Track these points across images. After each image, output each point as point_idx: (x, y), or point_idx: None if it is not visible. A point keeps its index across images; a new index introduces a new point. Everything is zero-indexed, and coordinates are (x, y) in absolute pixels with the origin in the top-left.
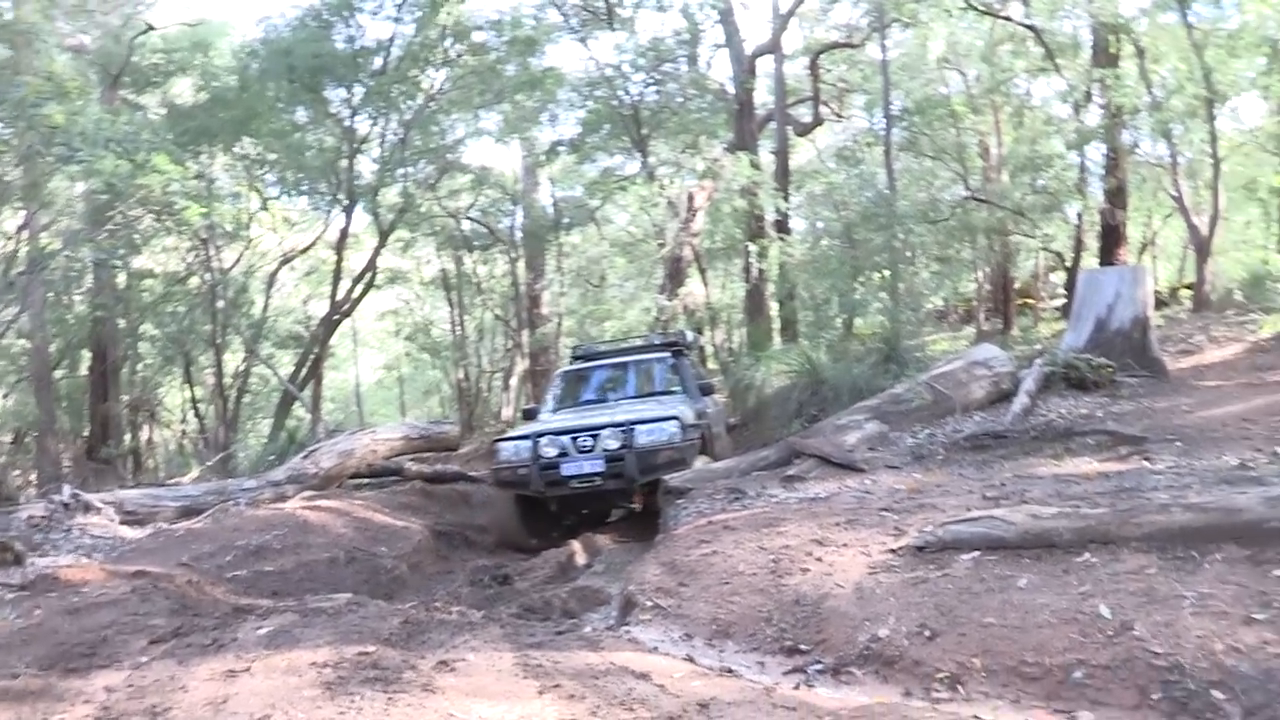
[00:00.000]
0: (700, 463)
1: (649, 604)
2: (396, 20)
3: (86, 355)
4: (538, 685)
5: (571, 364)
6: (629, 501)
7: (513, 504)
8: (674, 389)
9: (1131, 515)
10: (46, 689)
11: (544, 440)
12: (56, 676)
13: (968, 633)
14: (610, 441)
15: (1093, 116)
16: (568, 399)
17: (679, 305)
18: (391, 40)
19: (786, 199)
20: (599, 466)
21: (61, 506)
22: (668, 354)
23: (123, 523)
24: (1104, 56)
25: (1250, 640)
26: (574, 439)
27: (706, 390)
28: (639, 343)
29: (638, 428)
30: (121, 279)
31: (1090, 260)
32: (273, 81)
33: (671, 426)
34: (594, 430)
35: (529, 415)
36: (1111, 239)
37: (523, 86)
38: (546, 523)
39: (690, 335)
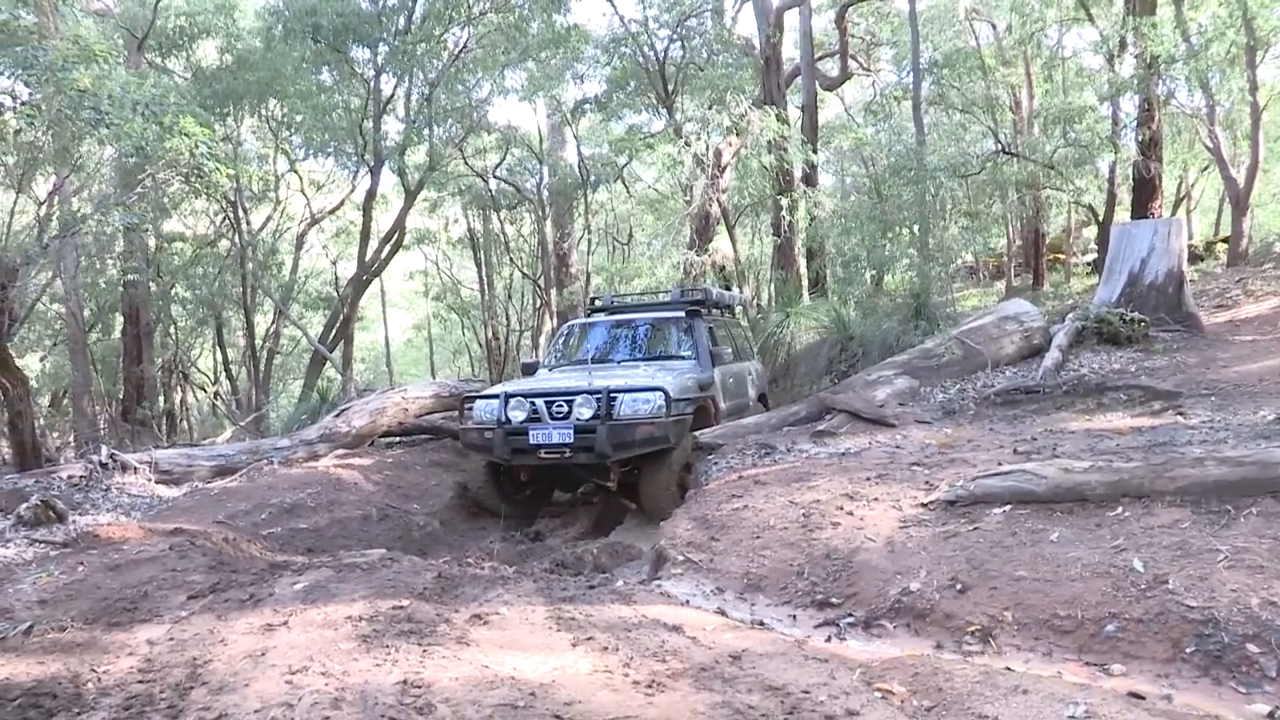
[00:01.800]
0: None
1: (680, 558)
2: None
3: (119, 319)
4: (571, 638)
5: (588, 316)
6: (604, 478)
7: (484, 467)
8: (685, 354)
9: (1165, 469)
10: (92, 641)
11: (512, 402)
12: (101, 630)
13: (999, 586)
14: (583, 410)
15: (1126, 67)
16: (569, 356)
17: (708, 261)
18: None
19: (815, 153)
20: (568, 437)
21: (99, 467)
22: (682, 314)
23: (159, 482)
24: (1139, 4)
25: None
26: (548, 403)
27: (723, 357)
28: (665, 299)
29: (618, 397)
30: (152, 243)
31: (1123, 214)
32: (297, 43)
33: (655, 398)
34: (568, 395)
35: (528, 370)
36: (1145, 192)
37: (548, 44)
38: (520, 489)
39: (719, 292)
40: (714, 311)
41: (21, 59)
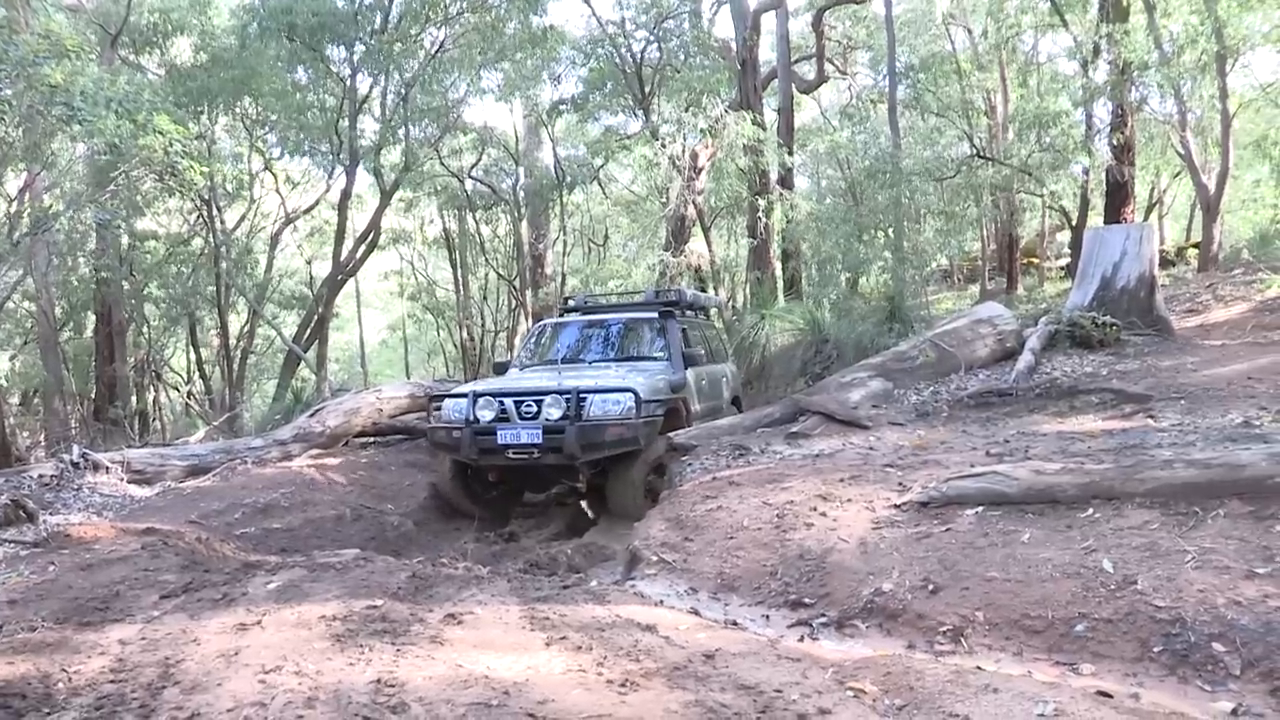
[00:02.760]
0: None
1: (654, 559)
2: None
3: (92, 317)
4: (545, 637)
5: (561, 316)
6: (573, 480)
7: (451, 467)
8: (657, 355)
9: (1135, 471)
10: (63, 641)
11: (481, 401)
12: (72, 630)
13: (971, 587)
14: (552, 410)
15: (1100, 73)
16: (540, 355)
17: (683, 263)
18: None
19: (791, 156)
20: (536, 437)
21: (71, 466)
22: (655, 315)
23: (131, 482)
24: (1113, 11)
25: (1251, 594)
26: (517, 403)
27: (696, 359)
28: (639, 299)
29: (588, 397)
30: (125, 241)
31: (1096, 219)
32: (273, 41)
33: (625, 400)
34: (537, 395)
35: (499, 370)
36: (1118, 197)
37: (524, 45)
38: (489, 489)
39: (694, 294)
40: (689, 313)
41: None
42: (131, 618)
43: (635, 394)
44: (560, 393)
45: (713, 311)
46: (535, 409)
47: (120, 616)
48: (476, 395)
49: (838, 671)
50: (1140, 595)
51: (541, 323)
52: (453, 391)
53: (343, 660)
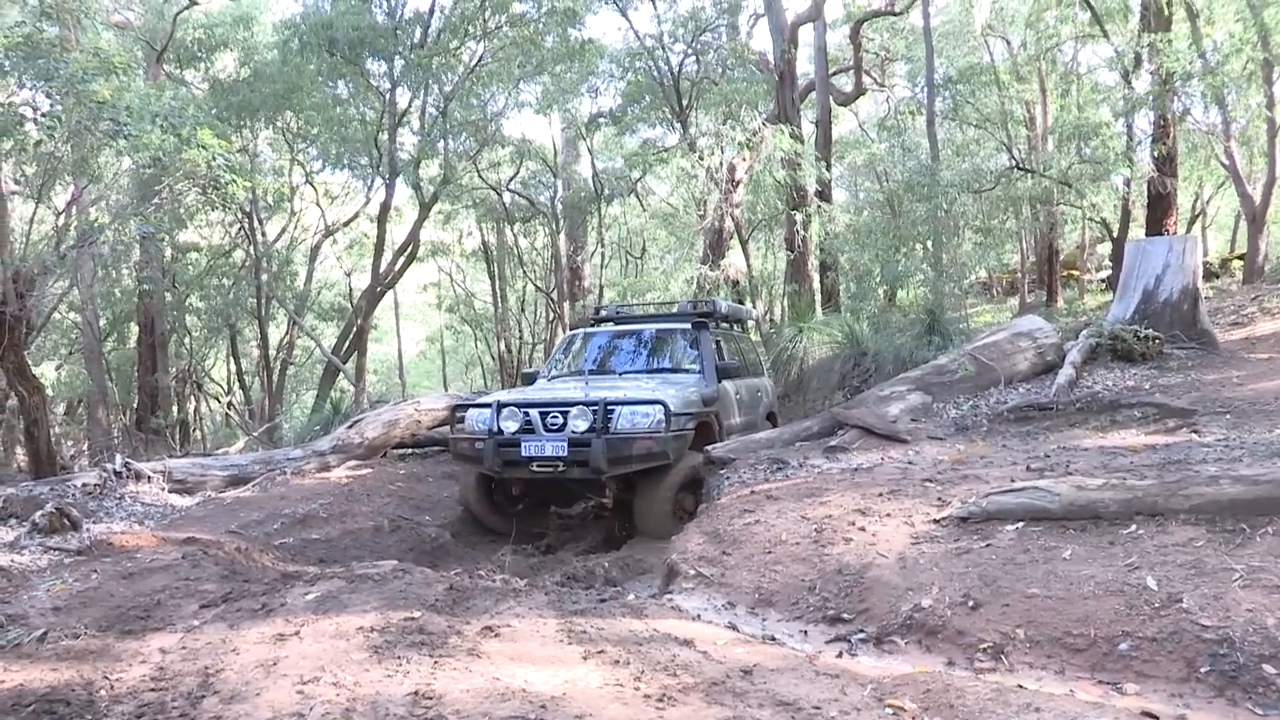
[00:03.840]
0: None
1: (692, 572)
2: None
3: (135, 328)
4: (582, 651)
5: (592, 326)
6: (599, 494)
7: (474, 479)
8: (689, 367)
9: (1180, 487)
10: (105, 649)
11: (505, 412)
12: (114, 638)
13: (1011, 603)
14: (578, 422)
15: (1142, 83)
16: (570, 366)
17: (721, 276)
18: (431, 12)
19: (829, 169)
20: (562, 450)
21: (113, 475)
22: (688, 326)
23: (172, 491)
24: (1155, 20)
25: None
26: (543, 414)
27: (730, 372)
28: (674, 309)
29: (616, 409)
30: (168, 253)
31: (1138, 231)
32: (314, 56)
33: (654, 412)
34: (563, 406)
35: (528, 380)
36: (1160, 208)
37: (562, 58)
38: (513, 502)
39: (730, 306)
40: (724, 325)
41: (43, 71)
42: (172, 626)
43: (665, 406)
44: (587, 404)
45: (750, 324)
46: (561, 420)
47: (161, 625)
48: (501, 405)
49: (876, 688)
50: (1186, 614)
51: (571, 333)
52: (475, 401)
53: (380, 672)
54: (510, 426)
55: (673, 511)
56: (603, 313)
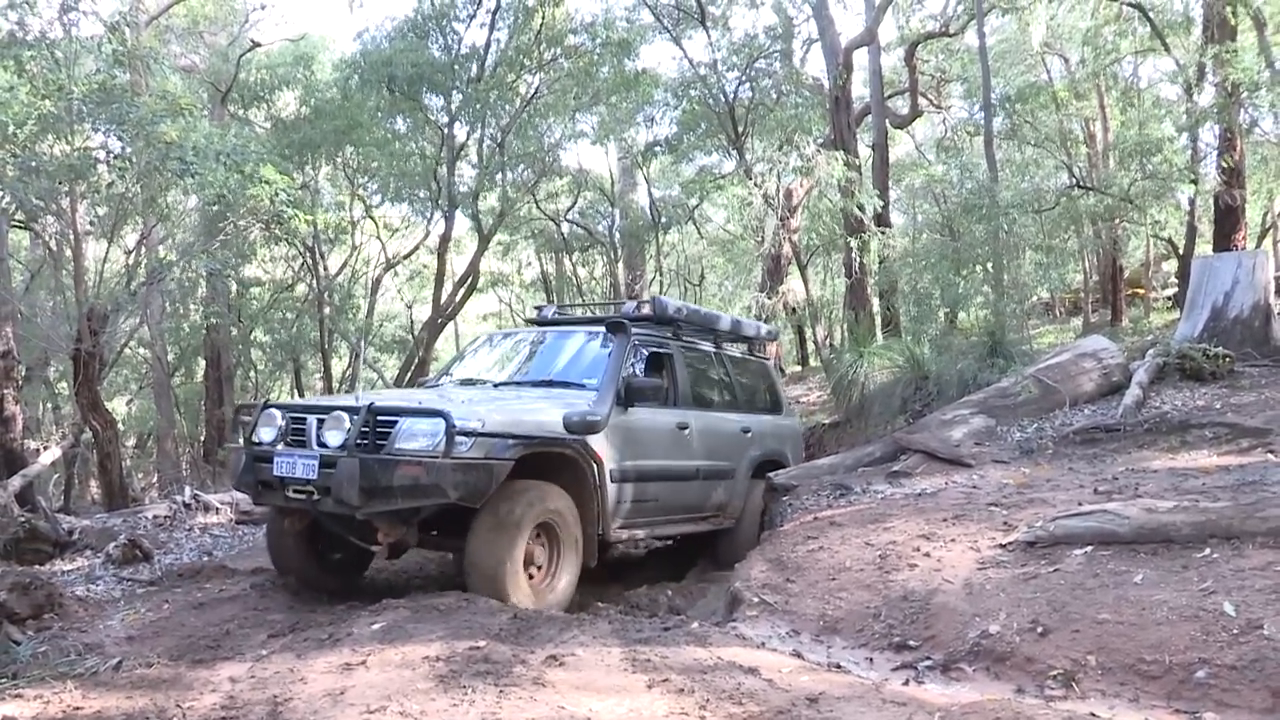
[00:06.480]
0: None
1: (756, 600)
2: (491, 27)
3: (202, 363)
4: (647, 679)
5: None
6: (367, 537)
7: (273, 513)
8: (587, 382)
9: (1256, 509)
10: (177, 678)
11: (265, 415)
12: (185, 667)
13: (1082, 629)
14: (331, 433)
15: (1206, 96)
16: (455, 373)
17: (779, 302)
18: (487, 47)
19: (886, 193)
20: (311, 471)
21: (183, 507)
22: (601, 330)
23: (239, 522)
24: (1218, 31)
25: None
26: (295, 420)
27: (648, 395)
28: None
29: (397, 421)
30: (233, 288)
31: (1204, 247)
32: (373, 92)
33: (429, 428)
34: (323, 411)
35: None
36: (1228, 223)
37: (618, 88)
38: (333, 545)
39: (690, 309)
40: (682, 336)
41: (116, 115)
42: (241, 656)
43: (446, 421)
44: (347, 409)
45: (759, 342)
46: (316, 430)
47: (230, 654)
48: (266, 406)
49: (944, 716)
50: (1268, 640)
51: (477, 336)
52: (253, 403)
53: (446, 701)
54: (266, 435)
55: (512, 563)
56: (544, 313)
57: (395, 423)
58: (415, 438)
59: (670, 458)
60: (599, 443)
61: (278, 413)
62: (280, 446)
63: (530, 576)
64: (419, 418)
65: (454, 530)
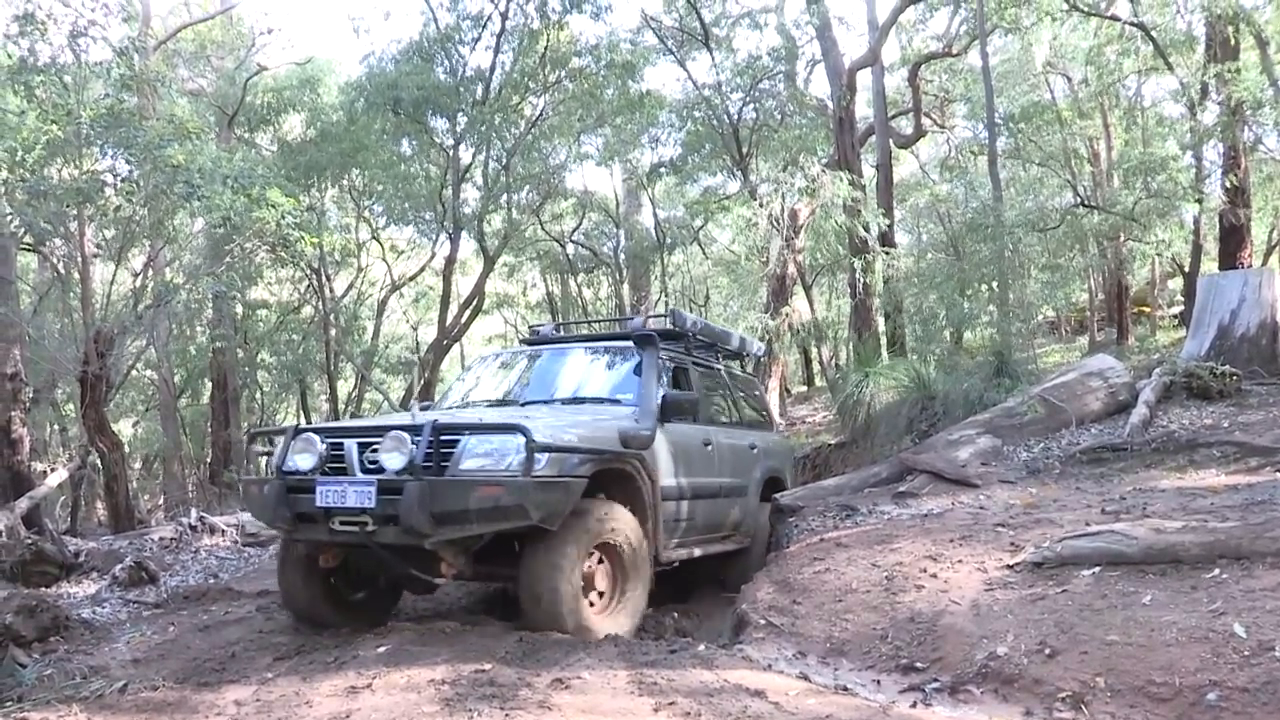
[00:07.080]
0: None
1: (762, 622)
2: (496, 50)
3: (208, 384)
4: (653, 702)
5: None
6: (430, 569)
7: (287, 552)
8: (621, 398)
9: (1266, 529)
10: (182, 701)
11: (299, 442)
12: (190, 689)
13: (1090, 651)
14: (392, 456)
15: (1209, 114)
16: (468, 394)
17: (784, 322)
18: (492, 69)
19: (891, 212)
20: (368, 498)
21: (189, 529)
22: (630, 345)
23: (245, 544)
24: (1221, 50)
25: None
26: (334, 445)
27: (684, 409)
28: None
29: (460, 439)
30: (239, 310)
31: (1210, 265)
32: (378, 115)
33: (508, 445)
34: (376, 433)
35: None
36: (1233, 241)
37: (622, 110)
38: (354, 586)
39: (702, 323)
40: (696, 351)
41: (123, 139)
42: (247, 679)
43: (526, 436)
44: (408, 429)
45: (752, 359)
46: (358, 454)
47: (236, 677)
48: (297, 432)
49: None
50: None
51: (481, 355)
52: (272, 429)
53: None
54: (303, 463)
55: (572, 588)
56: (541, 332)
57: (456, 441)
58: (484, 456)
59: (703, 474)
60: (650, 458)
61: (316, 437)
62: (321, 475)
63: (591, 604)
64: (488, 434)
65: (503, 559)
